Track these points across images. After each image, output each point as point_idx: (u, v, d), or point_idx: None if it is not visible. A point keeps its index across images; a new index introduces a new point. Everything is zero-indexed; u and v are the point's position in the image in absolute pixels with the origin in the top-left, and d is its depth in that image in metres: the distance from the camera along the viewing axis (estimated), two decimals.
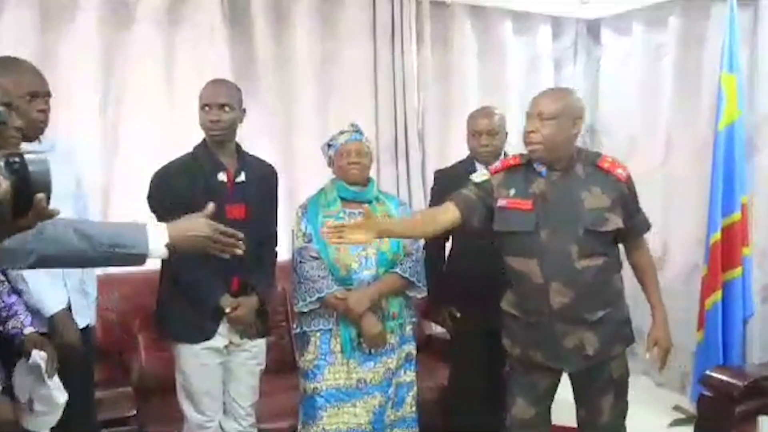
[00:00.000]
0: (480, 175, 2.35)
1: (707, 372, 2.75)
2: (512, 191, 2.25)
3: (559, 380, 2.38)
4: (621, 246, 2.33)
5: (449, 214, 2.27)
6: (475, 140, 2.84)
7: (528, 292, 2.26)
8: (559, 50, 4.52)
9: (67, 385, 1.98)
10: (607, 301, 2.24)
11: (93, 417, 2.42)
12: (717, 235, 3.34)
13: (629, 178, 2.23)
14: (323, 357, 2.51)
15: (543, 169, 2.22)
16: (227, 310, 2.32)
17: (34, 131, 2.18)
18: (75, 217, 2.28)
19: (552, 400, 2.43)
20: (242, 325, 2.38)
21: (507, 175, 2.28)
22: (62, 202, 2.23)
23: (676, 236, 4.01)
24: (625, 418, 2.39)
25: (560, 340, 2.23)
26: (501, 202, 2.26)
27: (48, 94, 2.20)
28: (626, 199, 2.21)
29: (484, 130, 2.81)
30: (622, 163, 2.24)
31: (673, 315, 3.87)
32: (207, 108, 2.34)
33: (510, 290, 2.37)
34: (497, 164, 2.34)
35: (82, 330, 2.29)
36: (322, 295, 2.45)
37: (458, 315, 2.90)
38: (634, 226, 2.27)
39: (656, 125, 4.12)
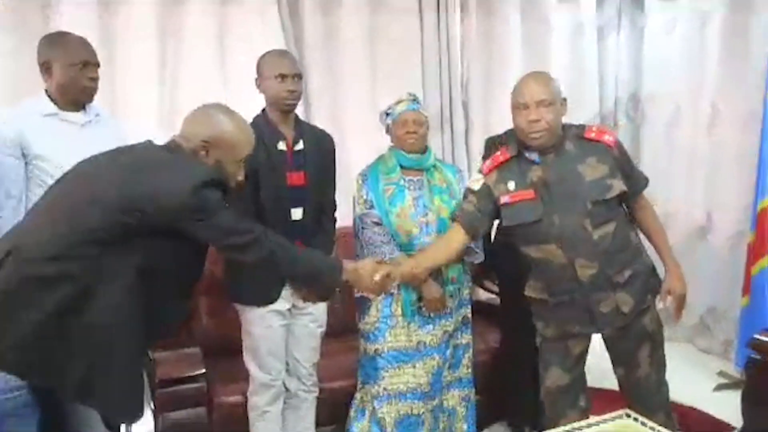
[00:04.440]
0: (475, 180, 2.40)
1: (756, 335, 2.77)
2: (511, 184, 2.29)
3: (589, 343, 2.44)
4: None
5: (458, 235, 2.37)
6: None
7: (553, 275, 2.31)
8: (602, 18, 4.48)
9: None
10: (630, 260, 2.31)
11: None
12: (765, 202, 3.35)
13: (617, 141, 2.30)
14: (384, 320, 2.60)
15: (535, 156, 2.27)
16: None
17: (84, 97, 2.34)
18: None
19: (584, 365, 2.49)
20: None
21: (501, 172, 2.33)
22: None
23: (721, 205, 4.01)
24: (664, 370, 2.44)
25: (596, 308, 2.29)
26: (504, 199, 2.30)
27: (97, 64, 2.36)
28: (620, 162, 2.28)
29: None
30: (607, 129, 2.31)
31: (717, 282, 3.96)
32: (282, 78, 2.40)
33: (532, 277, 2.42)
34: (488, 163, 2.38)
35: None
36: (385, 259, 2.52)
37: (496, 282, 3.00)
38: (633, 185, 2.32)
39: (702, 94, 4.09)
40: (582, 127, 2.31)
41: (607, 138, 2.27)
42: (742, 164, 3.77)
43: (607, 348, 2.43)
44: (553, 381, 2.42)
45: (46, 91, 2.34)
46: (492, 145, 3.03)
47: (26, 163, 2.28)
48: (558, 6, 4.32)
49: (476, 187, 2.36)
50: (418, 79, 3.89)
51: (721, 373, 3.69)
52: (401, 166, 2.63)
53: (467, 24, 4.03)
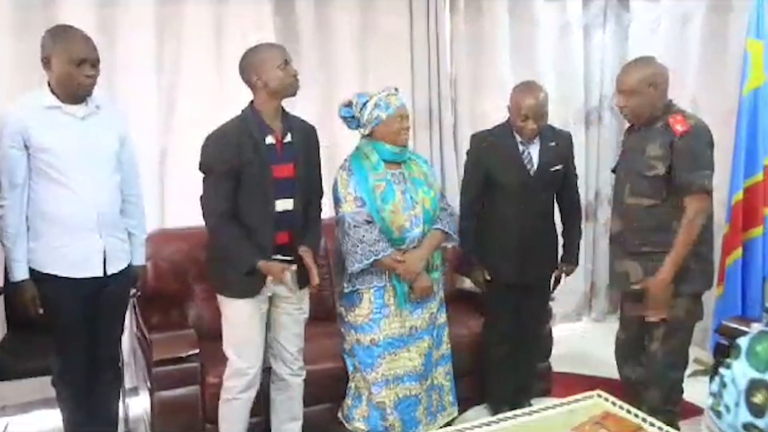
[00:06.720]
0: None
1: (723, 321, 2.90)
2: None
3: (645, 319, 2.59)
4: None
5: None
6: (524, 122, 2.88)
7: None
8: (588, 17, 4.60)
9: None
10: (658, 242, 2.51)
11: (117, 347, 2.72)
12: (739, 195, 3.48)
13: (684, 134, 2.46)
14: (378, 311, 2.69)
15: (638, 127, 2.64)
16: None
17: (81, 93, 2.39)
18: (118, 174, 2.53)
19: (642, 333, 2.67)
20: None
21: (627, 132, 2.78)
22: (106, 160, 2.46)
23: None
24: (675, 358, 2.64)
25: (611, 263, 2.73)
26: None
27: (96, 60, 2.39)
28: (675, 151, 2.45)
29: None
30: (689, 121, 2.47)
31: None
32: (285, 65, 2.46)
33: None
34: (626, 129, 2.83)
35: (121, 271, 2.55)
36: (379, 257, 2.59)
37: (489, 278, 3.06)
38: (676, 182, 2.47)
39: (683, 91, 4.17)
40: (675, 112, 2.53)
41: (677, 127, 2.47)
42: (719, 159, 3.85)
43: None
44: (618, 334, 2.83)
45: (49, 84, 2.39)
46: (477, 140, 3.11)
47: (29, 154, 2.34)
48: (545, 5, 4.43)
49: None
50: (407, 76, 4.00)
51: (696, 360, 3.81)
52: (384, 161, 2.67)
53: (456, 22, 4.14)
